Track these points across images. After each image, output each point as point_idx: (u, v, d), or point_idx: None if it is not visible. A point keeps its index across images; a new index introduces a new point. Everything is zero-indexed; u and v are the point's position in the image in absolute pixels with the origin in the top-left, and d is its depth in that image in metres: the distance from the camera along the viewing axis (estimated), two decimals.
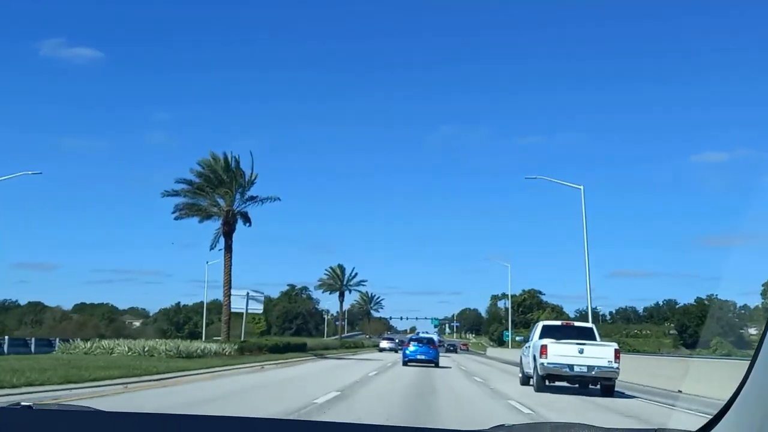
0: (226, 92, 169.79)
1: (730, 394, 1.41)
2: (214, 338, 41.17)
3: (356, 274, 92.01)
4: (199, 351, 26.71)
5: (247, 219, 37.69)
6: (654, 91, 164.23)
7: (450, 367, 34.51)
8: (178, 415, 2.02)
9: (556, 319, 73.24)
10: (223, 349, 29.28)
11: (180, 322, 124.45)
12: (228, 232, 36.45)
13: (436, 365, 32.46)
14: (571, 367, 17.53)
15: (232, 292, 39.50)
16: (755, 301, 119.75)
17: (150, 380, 15.97)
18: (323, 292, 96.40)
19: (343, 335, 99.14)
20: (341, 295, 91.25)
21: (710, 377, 17.72)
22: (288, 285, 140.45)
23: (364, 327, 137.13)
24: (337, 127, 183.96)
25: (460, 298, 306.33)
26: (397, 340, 75.38)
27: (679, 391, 19.09)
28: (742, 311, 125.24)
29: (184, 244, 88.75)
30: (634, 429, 1.98)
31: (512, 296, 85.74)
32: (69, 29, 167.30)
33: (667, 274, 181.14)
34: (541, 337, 19.08)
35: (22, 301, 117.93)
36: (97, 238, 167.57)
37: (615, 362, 17.46)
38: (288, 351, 41.05)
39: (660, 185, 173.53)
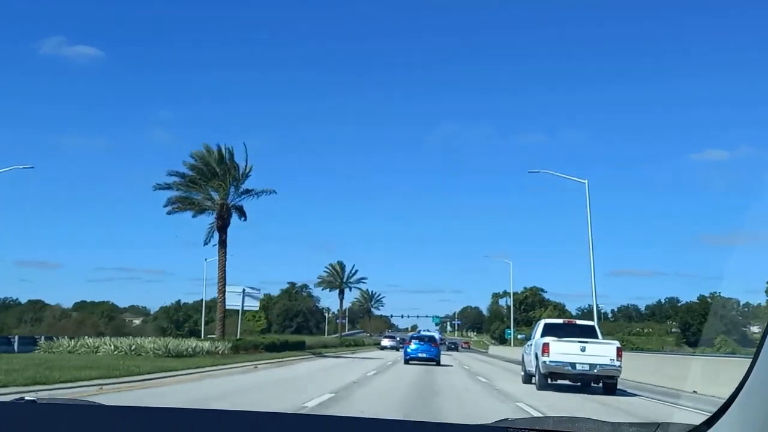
0: (228, 91, 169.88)
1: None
2: (209, 336, 39.98)
3: (356, 271, 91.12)
4: (190, 350, 25.48)
5: (242, 213, 36.53)
6: (654, 90, 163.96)
7: (452, 366, 33.92)
8: (181, 409, 2.01)
9: (558, 317, 72.64)
10: (216, 348, 28.04)
11: (180, 320, 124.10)
12: (222, 226, 35.25)
13: (438, 363, 32.12)
14: (573, 365, 17.42)
15: (229, 288, 38.37)
16: (759, 299, 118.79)
17: (130, 381, 14.79)
18: (323, 290, 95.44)
19: (343, 333, 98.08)
20: (341, 293, 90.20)
21: (716, 375, 17.38)
22: (288, 283, 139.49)
23: (365, 325, 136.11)
24: (338, 126, 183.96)
25: (461, 297, 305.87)
26: (398, 339, 74.59)
27: (694, 392, 18.24)
28: (746, 309, 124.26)
29: (185, 241, 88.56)
30: (638, 423, 1.87)
31: (514, 294, 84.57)
32: (69, 28, 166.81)
33: (668, 273, 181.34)
34: (543, 335, 18.90)
35: (24, 300, 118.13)
36: (100, 237, 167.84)
37: (617, 360, 17.39)
38: (285, 349, 39.87)
39: (661, 184, 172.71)
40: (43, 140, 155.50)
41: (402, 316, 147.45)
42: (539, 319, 24.22)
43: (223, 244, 35.52)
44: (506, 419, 2.00)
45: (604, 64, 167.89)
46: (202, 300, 75.75)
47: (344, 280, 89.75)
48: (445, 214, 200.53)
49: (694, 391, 18.21)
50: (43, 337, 29.01)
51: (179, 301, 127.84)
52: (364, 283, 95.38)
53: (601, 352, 17.57)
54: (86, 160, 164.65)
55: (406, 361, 31.97)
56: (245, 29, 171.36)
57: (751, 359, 1.38)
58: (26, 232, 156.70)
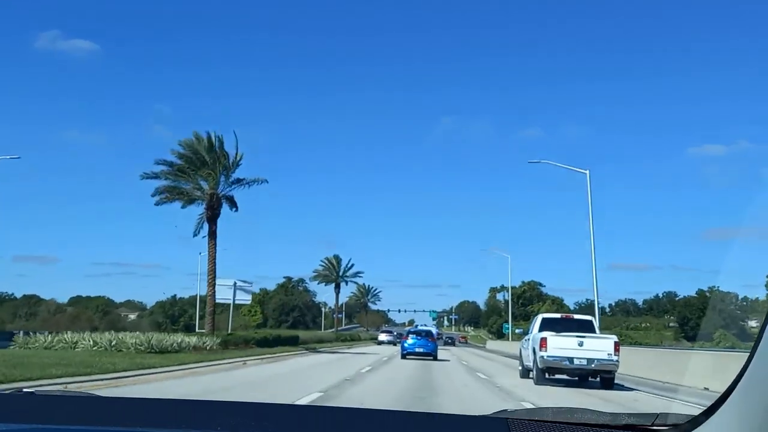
0: (226, 86, 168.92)
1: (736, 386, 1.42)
2: (198, 331, 38.72)
3: (352, 265, 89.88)
4: (175, 345, 24.16)
5: (233, 203, 35.22)
6: (652, 86, 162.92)
7: (449, 361, 33.51)
8: (179, 400, 1.99)
9: (556, 311, 72.01)
10: (204, 343, 26.75)
11: (175, 314, 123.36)
12: (212, 217, 33.93)
13: (435, 358, 32.31)
14: (570, 360, 17.49)
15: (219, 282, 37.16)
16: (758, 293, 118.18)
17: (101, 379, 13.55)
18: (318, 284, 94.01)
19: (340, 328, 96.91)
20: (337, 287, 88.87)
21: (714, 369, 17.52)
22: (285, 277, 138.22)
23: (361, 320, 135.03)
24: (337, 121, 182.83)
25: (458, 291, 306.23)
26: (395, 333, 73.89)
27: (706, 389, 17.30)
28: (744, 303, 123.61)
29: (182, 236, 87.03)
30: (636, 414, 1.78)
31: (512, 288, 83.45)
32: (65, 21, 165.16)
33: (664, 268, 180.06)
34: (541, 329, 18.87)
35: (20, 295, 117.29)
36: (97, 232, 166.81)
37: (615, 355, 17.45)
38: (278, 344, 38.62)
39: (659, 179, 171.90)
40: (40, 135, 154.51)
41: (399, 311, 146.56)
42: (537, 314, 24.33)
43: (213, 235, 34.24)
44: (505, 410, 2.02)
45: (604, 60, 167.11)
46: (197, 294, 74.39)
47: (340, 273, 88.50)
48: (443, 208, 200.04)
49: (706, 388, 17.36)
50: (21, 332, 27.69)
51: (175, 295, 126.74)
52: (360, 277, 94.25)
53: (598, 347, 17.58)
54: (83, 154, 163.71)
55: (404, 356, 32.13)
56: (246, 24, 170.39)
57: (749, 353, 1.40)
58: (23, 227, 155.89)
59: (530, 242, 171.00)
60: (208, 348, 26.52)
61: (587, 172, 37.59)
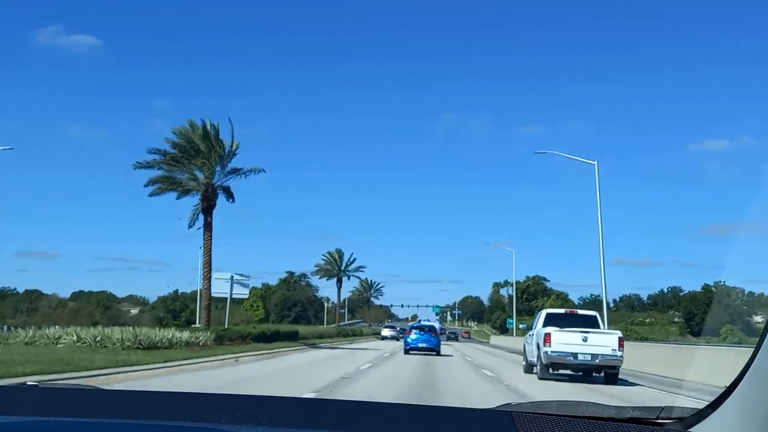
0: (227, 81, 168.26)
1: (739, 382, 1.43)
2: (192, 326, 37.56)
3: (354, 259, 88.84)
4: (165, 341, 22.98)
5: (229, 194, 34.04)
6: (655, 81, 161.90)
7: (452, 356, 32.98)
8: (183, 393, 1.99)
9: (561, 306, 71.14)
10: (198, 339, 25.56)
11: (177, 309, 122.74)
12: (207, 208, 32.75)
13: (438, 353, 32.26)
14: (575, 355, 17.44)
15: (216, 275, 36.07)
16: (763, 288, 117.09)
17: (73, 378, 12.38)
18: (320, 278, 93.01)
19: (342, 323, 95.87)
20: (339, 281, 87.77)
21: (721, 365, 17.20)
22: (287, 272, 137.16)
23: (364, 315, 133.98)
24: (339, 117, 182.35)
25: (461, 286, 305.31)
26: (398, 328, 72.94)
27: (711, 384, 16.41)
28: (750, 298, 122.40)
29: (184, 230, 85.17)
30: (641, 407, 1.76)
31: (516, 283, 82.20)
32: (66, 17, 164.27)
33: (666, 263, 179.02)
34: (545, 325, 18.84)
35: (23, 289, 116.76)
36: (100, 227, 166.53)
37: (619, 350, 17.42)
38: (277, 340, 37.50)
39: (661, 174, 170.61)
40: (42, 130, 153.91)
41: (402, 306, 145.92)
42: (541, 309, 24.30)
43: (208, 227, 33.08)
44: (509, 404, 2.00)
45: (605, 56, 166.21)
46: (197, 289, 73.30)
47: (342, 268, 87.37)
48: (445, 204, 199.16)
49: (711, 384, 16.47)
50: (5, 328, 26.53)
51: (177, 290, 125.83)
52: (362, 271, 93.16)
53: (602, 342, 17.55)
54: (85, 150, 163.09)
55: (406, 351, 32.13)
56: (246, 19, 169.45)
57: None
58: (26, 223, 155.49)
59: (533, 238, 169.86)
60: (201, 344, 25.34)
61: (595, 163, 36.61)
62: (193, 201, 33.59)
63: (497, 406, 1.91)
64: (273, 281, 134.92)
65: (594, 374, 18.71)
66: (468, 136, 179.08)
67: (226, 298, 38.60)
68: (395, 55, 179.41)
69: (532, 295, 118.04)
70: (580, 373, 19.06)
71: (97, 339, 21.17)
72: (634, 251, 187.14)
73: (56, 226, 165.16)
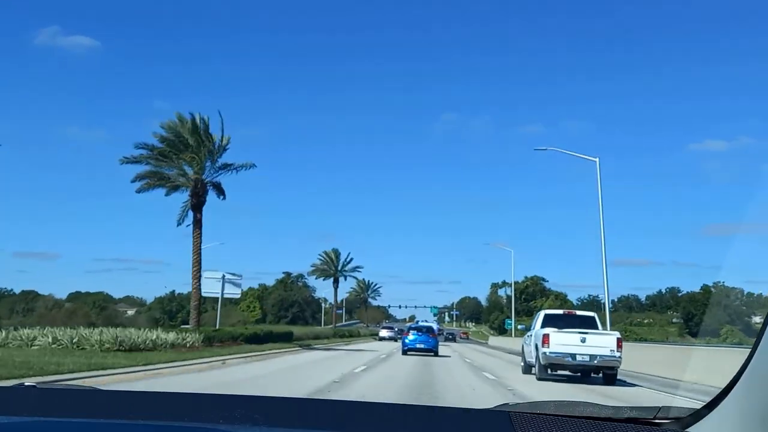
0: (228, 81, 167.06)
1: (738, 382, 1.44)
2: (182, 327, 36.39)
3: (351, 259, 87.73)
4: (149, 342, 21.83)
5: (220, 190, 32.88)
6: (654, 81, 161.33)
7: (450, 357, 32.44)
8: (181, 393, 1.98)
9: (559, 307, 70.20)
10: (185, 340, 24.41)
11: (173, 310, 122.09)
12: (197, 204, 31.60)
13: (436, 354, 32.18)
14: (573, 356, 17.44)
15: (206, 274, 34.97)
16: (762, 289, 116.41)
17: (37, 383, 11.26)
18: (317, 278, 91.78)
19: (339, 324, 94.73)
20: (335, 282, 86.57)
21: (719, 365, 16.91)
22: (284, 273, 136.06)
23: (361, 315, 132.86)
24: (337, 116, 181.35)
25: (459, 287, 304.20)
26: (396, 329, 72.06)
27: (708, 385, 15.84)
28: (749, 299, 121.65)
29: (185, 232, 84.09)
30: (638, 407, 1.75)
31: (515, 283, 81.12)
32: (66, 17, 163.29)
33: (665, 263, 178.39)
34: (543, 326, 18.88)
35: (20, 290, 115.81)
36: (99, 228, 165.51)
37: (617, 351, 17.44)
38: (270, 341, 36.37)
39: (660, 174, 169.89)
40: (41, 131, 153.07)
41: (399, 307, 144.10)
42: (540, 310, 24.31)
43: (198, 224, 31.93)
44: (506, 404, 1.98)
45: (605, 56, 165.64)
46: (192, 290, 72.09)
47: (339, 268, 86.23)
48: (443, 204, 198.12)
49: (708, 384, 15.90)
50: None
51: (173, 291, 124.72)
52: (359, 271, 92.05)
53: (601, 343, 17.54)
54: (84, 150, 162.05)
55: (404, 352, 32.00)
56: (246, 19, 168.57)
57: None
58: (24, 223, 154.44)
59: (532, 238, 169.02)
60: (188, 345, 24.19)
61: (597, 159, 35.73)
62: (183, 197, 32.49)
63: (495, 406, 1.88)
64: (269, 281, 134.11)
65: (592, 375, 18.72)
66: (468, 136, 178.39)
67: (219, 299, 37.50)
68: (395, 55, 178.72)
69: (531, 296, 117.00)
70: (579, 374, 19.10)
71: (74, 340, 20.00)
72: (633, 251, 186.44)
73: (55, 226, 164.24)
